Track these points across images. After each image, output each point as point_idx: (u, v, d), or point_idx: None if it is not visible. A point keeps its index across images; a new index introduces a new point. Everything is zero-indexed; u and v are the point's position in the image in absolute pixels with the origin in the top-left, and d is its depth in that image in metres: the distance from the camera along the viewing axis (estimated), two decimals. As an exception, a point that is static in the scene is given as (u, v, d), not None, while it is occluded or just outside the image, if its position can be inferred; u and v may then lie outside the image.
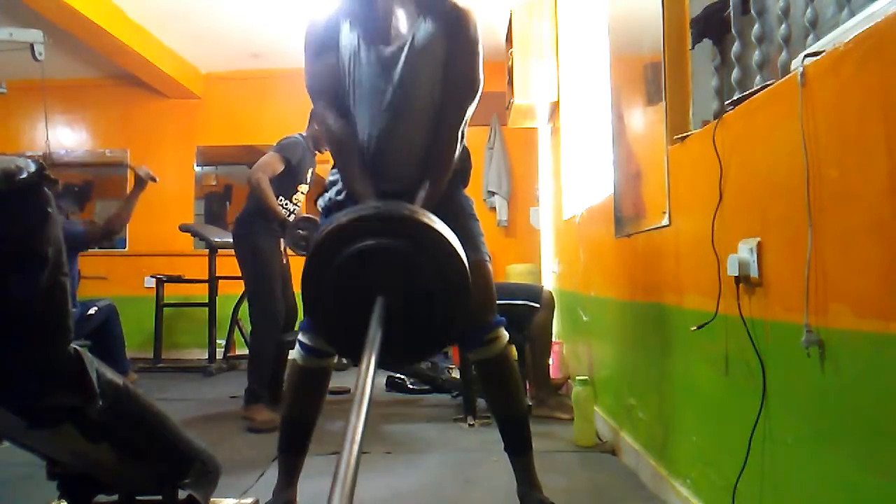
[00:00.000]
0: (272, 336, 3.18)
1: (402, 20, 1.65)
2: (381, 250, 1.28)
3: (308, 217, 3.22)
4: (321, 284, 1.31)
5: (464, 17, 1.68)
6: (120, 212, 3.70)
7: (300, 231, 3.14)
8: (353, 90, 1.67)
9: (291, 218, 3.31)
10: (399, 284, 1.27)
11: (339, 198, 1.74)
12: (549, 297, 3.32)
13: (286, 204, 3.27)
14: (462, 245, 1.41)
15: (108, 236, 3.79)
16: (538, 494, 1.74)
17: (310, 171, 3.39)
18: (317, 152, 3.40)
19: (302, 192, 3.38)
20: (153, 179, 3.64)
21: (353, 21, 1.67)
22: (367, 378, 1.03)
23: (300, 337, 1.73)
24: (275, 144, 3.27)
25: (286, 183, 3.23)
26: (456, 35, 1.67)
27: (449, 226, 1.40)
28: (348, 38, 1.67)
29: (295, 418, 1.77)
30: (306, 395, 1.77)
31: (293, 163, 3.22)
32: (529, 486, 1.74)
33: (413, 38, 1.64)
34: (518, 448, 1.76)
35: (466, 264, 1.35)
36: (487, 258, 1.77)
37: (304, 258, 1.43)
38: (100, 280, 5.51)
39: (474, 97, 1.72)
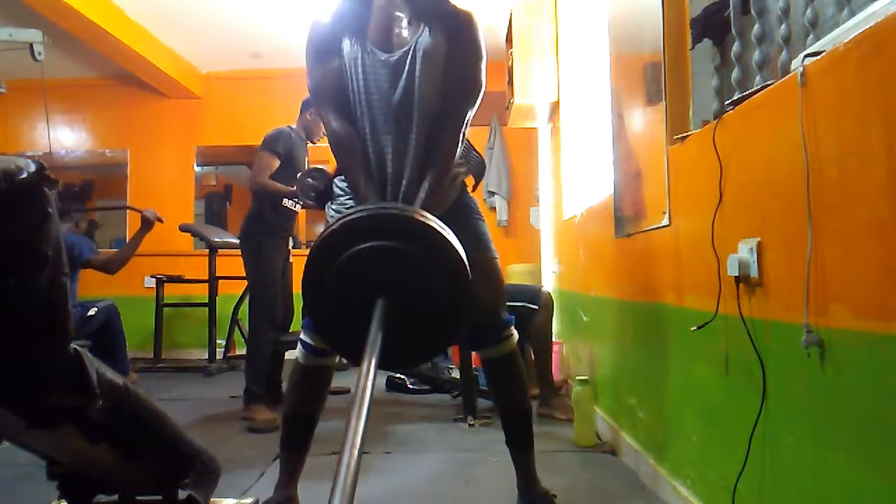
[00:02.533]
0: (269, 336, 3.18)
1: (403, 26, 1.66)
2: (380, 251, 1.27)
3: (318, 168, 3.21)
4: (322, 286, 1.31)
5: (465, 21, 1.69)
6: (123, 251, 3.78)
7: (310, 180, 3.14)
8: (357, 97, 1.67)
9: (297, 209, 3.33)
10: (399, 285, 1.26)
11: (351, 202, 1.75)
12: (548, 299, 3.31)
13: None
14: (471, 244, 1.48)
15: (106, 271, 3.87)
16: (540, 487, 1.77)
17: (304, 159, 3.39)
18: (309, 142, 3.41)
19: None
20: (160, 220, 3.69)
21: (353, 31, 1.67)
22: (368, 380, 1.03)
23: (302, 336, 1.74)
24: (260, 143, 3.28)
25: (285, 175, 3.23)
26: (457, 39, 1.68)
27: (456, 225, 1.41)
28: (350, 48, 1.67)
29: (297, 416, 1.78)
30: (309, 393, 1.78)
31: (283, 154, 3.22)
32: (530, 481, 1.77)
33: (416, 45, 1.65)
34: (522, 442, 1.79)
35: (467, 263, 1.33)
36: (495, 256, 1.79)
37: (306, 257, 1.43)
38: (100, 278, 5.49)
39: (475, 100, 1.72)
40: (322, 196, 3.08)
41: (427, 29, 1.66)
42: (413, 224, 1.30)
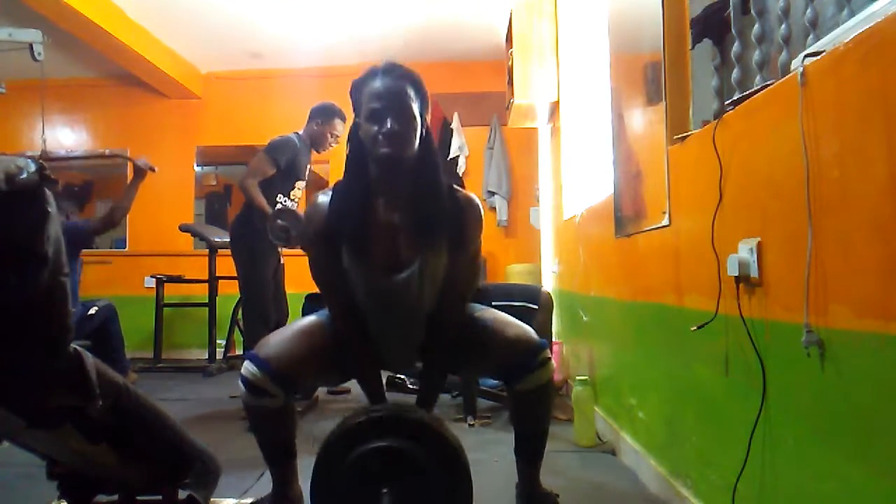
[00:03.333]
0: (264, 336, 3.18)
1: (404, 239, 1.60)
2: (390, 449, 1.40)
3: (287, 209, 3.21)
4: (330, 482, 1.42)
5: (468, 221, 1.65)
6: (120, 202, 3.72)
7: (280, 222, 3.14)
8: (361, 305, 1.67)
9: (294, 207, 3.33)
10: (405, 479, 1.39)
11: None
12: (548, 299, 3.31)
13: (284, 201, 3.29)
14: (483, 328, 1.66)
15: (110, 226, 3.81)
16: (542, 488, 1.76)
17: (307, 166, 3.39)
18: (314, 151, 3.41)
19: (299, 189, 3.39)
20: (152, 169, 3.65)
21: (353, 243, 1.60)
22: None
23: (243, 370, 1.60)
24: (266, 145, 3.28)
25: (283, 181, 3.24)
26: (460, 250, 1.65)
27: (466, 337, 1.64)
28: (352, 261, 1.61)
29: (269, 447, 1.71)
30: (272, 434, 1.68)
31: (282, 164, 3.23)
32: (533, 484, 1.76)
33: (418, 267, 1.60)
34: (534, 456, 1.76)
35: (468, 461, 1.45)
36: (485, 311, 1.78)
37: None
38: (101, 272, 5.49)
39: (474, 288, 1.76)
40: (291, 237, 3.11)
41: (429, 244, 1.61)
42: (423, 427, 1.44)
